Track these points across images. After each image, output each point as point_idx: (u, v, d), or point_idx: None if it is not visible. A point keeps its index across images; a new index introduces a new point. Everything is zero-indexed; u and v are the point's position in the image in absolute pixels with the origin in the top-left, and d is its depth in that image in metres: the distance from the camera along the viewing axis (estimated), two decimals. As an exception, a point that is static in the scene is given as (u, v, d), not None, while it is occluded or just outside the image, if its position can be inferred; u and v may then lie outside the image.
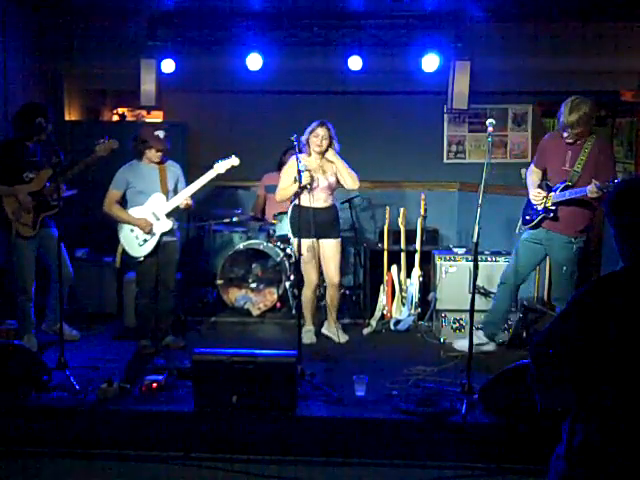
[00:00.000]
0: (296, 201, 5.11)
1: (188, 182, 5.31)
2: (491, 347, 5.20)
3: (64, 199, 4.85)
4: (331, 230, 5.43)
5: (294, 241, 5.21)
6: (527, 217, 4.93)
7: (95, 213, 5.72)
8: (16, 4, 6.28)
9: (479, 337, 5.10)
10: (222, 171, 5.20)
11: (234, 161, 5.21)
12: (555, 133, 4.92)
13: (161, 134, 5.11)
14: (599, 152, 4.62)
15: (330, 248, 5.45)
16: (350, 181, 5.39)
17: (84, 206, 6.09)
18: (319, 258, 5.47)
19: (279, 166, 6.84)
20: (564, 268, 4.79)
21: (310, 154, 5.37)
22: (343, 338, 5.53)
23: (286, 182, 5.34)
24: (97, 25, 6.81)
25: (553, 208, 4.73)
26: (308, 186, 5.19)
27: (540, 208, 4.80)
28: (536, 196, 4.82)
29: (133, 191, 5.14)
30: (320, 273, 5.52)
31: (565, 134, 4.65)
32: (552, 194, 4.74)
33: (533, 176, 4.95)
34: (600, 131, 7.63)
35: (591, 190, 4.40)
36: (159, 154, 5.13)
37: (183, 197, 5.13)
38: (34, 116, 4.96)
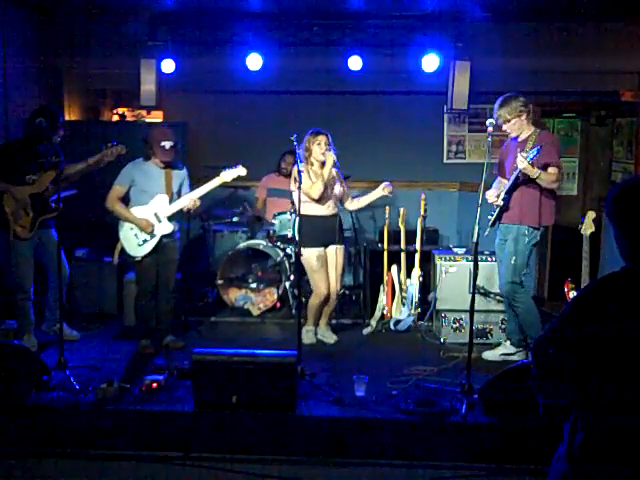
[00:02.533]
0: (303, 210, 4.98)
1: (190, 184, 5.31)
2: (521, 355, 5.05)
3: (64, 199, 4.85)
4: (338, 236, 5.43)
5: (304, 250, 5.14)
6: (489, 217, 5.01)
7: (95, 213, 5.73)
8: (16, 4, 6.28)
9: (507, 347, 5.09)
10: (228, 180, 5.20)
11: (241, 171, 5.21)
12: (508, 139, 5.07)
13: (167, 145, 5.07)
14: (540, 141, 4.76)
15: (336, 255, 5.44)
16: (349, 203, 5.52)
17: (84, 206, 6.09)
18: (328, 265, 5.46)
19: (278, 168, 6.86)
20: (513, 259, 4.85)
21: (312, 164, 5.30)
22: (332, 339, 5.54)
23: (309, 181, 5.23)
24: (97, 25, 6.81)
25: (506, 197, 4.85)
26: (302, 170, 5.03)
27: (496, 204, 4.93)
28: (491, 195, 4.95)
29: (137, 189, 5.14)
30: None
31: (504, 128, 4.90)
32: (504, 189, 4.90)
33: (500, 186, 5.05)
34: (600, 131, 7.65)
35: (519, 161, 4.57)
36: (161, 164, 5.14)
37: (186, 201, 5.13)
38: (35, 117, 4.97)
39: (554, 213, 4.94)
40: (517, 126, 4.85)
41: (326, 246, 5.39)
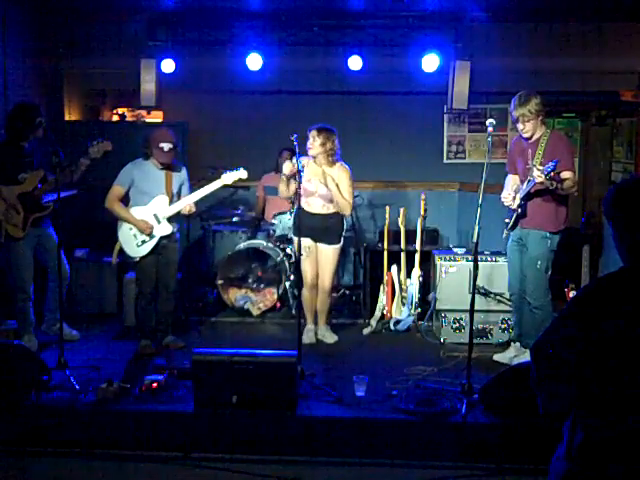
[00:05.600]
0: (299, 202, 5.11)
1: (190, 185, 5.31)
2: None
3: (64, 199, 4.84)
4: (326, 236, 5.39)
5: (295, 239, 5.21)
6: (506, 220, 4.97)
7: (95, 213, 5.73)
8: (16, 4, 6.28)
9: (517, 349, 5.05)
10: (229, 182, 5.19)
11: (242, 174, 5.20)
12: (517, 137, 5.00)
13: (165, 147, 5.03)
14: (554, 145, 4.71)
15: (323, 253, 5.43)
16: (341, 205, 5.32)
17: (84, 206, 6.09)
18: (316, 261, 5.47)
19: (276, 167, 6.86)
20: (538, 263, 4.79)
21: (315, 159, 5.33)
22: (332, 339, 5.55)
23: (282, 180, 5.32)
24: (97, 25, 6.82)
25: (522, 204, 4.78)
26: (302, 169, 5.04)
27: (513, 208, 4.86)
28: (506, 197, 4.89)
29: (136, 190, 5.12)
30: (317, 275, 5.50)
31: (520, 127, 4.78)
32: (519, 192, 4.82)
33: (510, 182, 5.02)
34: (600, 131, 7.66)
35: (536, 175, 4.47)
36: (160, 165, 5.14)
37: (186, 203, 5.12)
38: (32, 116, 4.97)
39: (569, 214, 4.89)
40: (533, 126, 4.73)
41: (315, 241, 5.40)
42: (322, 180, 5.27)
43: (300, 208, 5.01)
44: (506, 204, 4.89)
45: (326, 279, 5.46)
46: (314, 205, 5.36)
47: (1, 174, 5.05)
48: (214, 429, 3.99)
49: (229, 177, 5.18)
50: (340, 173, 5.32)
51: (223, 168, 5.27)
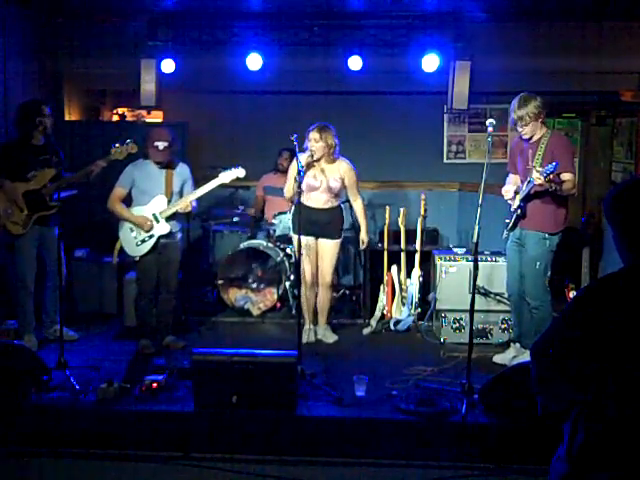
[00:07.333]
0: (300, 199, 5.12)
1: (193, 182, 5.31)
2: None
3: (64, 199, 4.84)
4: (329, 230, 5.41)
5: (294, 237, 5.20)
6: (507, 221, 4.97)
7: (95, 213, 5.74)
8: (16, 4, 6.28)
9: (517, 349, 5.04)
10: (227, 181, 5.19)
11: (240, 172, 5.20)
12: (518, 137, 4.98)
13: (160, 145, 5.04)
14: (554, 146, 4.70)
15: (325, 247, 5.44)
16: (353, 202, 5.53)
17: (84, 206, 6.09)
18: (317, 257, 5.48)
19: (276, 167, 6.87)
20: (537, 264, 4.78)
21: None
22: (332, 339, 5.55)
23: (289, 179, 5.34)
24: (97, 25, 6.81)
25: (522, 205, 4.77)
26: (302, 169, 5.02)
27: (512, 209, 4.86)
28: (507, 191, 4.89)
29: (138, 190, 5.14)
30: (316, 273, 5.51)
31: (519, 129, 4.77)
32: (519, 193, 4.82)
33: (512, 182, 5.01)
34: (600, 131, 7.65)
35: (535, 178, 4.47)
36: (156, 164, 5.14)
37: (185, 202, 5.12)
38: (31, 113, 4.99)
39: (569, 215, 4.89)
40: (533, 128, 4.72)
41: (316, 237, 5.41)
42: (328, 173, 5.30)
43: (300, 204, 5.01)
44: (506, 198, 4.89)
45: (327, 274, 5.47)
46: (317, 200, 5.36)
47: (9, 171, 5.05)
48: (214, 429, 3.99)
49: (227, 176, 5.19)
50: (348, 170, 5.37)
51: (223, 168, 5.27)
